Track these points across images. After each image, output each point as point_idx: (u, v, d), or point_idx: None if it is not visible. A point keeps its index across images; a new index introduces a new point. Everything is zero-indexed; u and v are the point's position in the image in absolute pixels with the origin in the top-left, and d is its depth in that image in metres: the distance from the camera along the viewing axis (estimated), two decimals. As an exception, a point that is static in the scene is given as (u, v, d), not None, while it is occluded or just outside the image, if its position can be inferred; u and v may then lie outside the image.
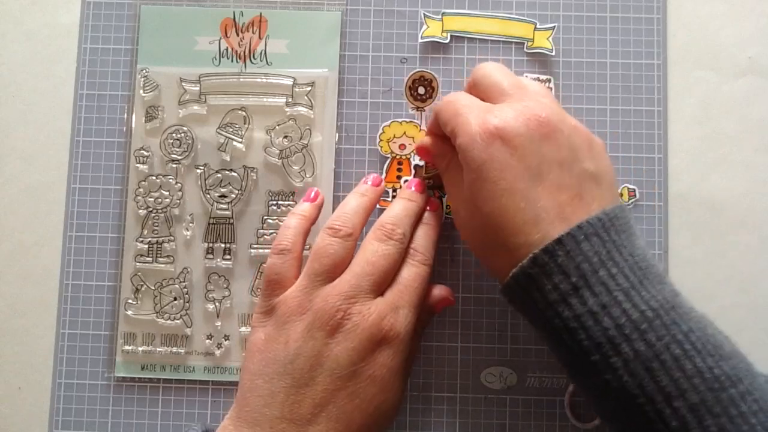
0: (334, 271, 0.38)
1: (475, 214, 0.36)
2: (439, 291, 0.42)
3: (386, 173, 0.46)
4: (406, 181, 0.45)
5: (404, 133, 0.46)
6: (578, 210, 0.34)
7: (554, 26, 0.47)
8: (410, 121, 0.46)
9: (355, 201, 0.41)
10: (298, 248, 0.40)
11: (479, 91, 0.39)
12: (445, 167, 0.41)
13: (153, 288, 0.45)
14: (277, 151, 0.46)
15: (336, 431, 0.35)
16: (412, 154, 0.46)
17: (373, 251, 0.39)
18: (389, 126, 0.46)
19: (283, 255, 0.40)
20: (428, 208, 0.43)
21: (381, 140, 0.46)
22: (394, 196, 0.46)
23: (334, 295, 0.37)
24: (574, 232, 0.33)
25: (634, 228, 0.35)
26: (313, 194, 0.43)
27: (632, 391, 0.31)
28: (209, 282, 0.45)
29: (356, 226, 0.40)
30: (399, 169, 0.46)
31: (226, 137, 0.46)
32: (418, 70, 0.46)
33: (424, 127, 0.46)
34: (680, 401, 0.30)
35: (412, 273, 0.39)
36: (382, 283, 0.38)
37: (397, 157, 0.46)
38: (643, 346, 0.31)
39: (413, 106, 0.46)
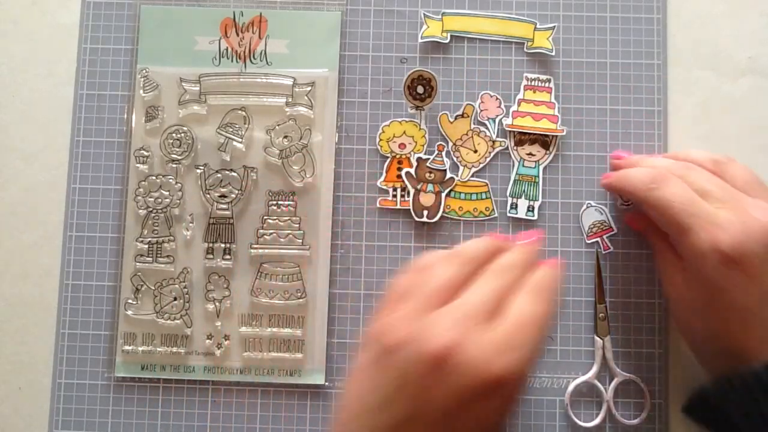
0: (446, 294, 0.33)
1: (698, 325, 0.36)
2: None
3: (386, 173, 0.46)
4: (406, 174, 0.45)
5: (404, 132, 0.46)
6: None
7: (554, 26, 0.47)
8: (410, 121, 0.46)
9: (485, 243, 0.36)
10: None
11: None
12: (654, 244, 0.41)
13: (153, 288, 0.45)
14: (277, 151, 0.46)
15: None
16: (412, 153, 0.46)
17: (486, 282, 0.33)
18: (389, 126, 0.46)
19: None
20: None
21: (381, 140, 0.46)
22: (394, 196, 0.46)
23: (443, 324, 0.31)
24: None
25: None
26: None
27: None
28: (209, 282, 0.45)
29: (479, 259, 0.35)
30: (399, 169, 0.46)
31: (226, 137, 0.46)
32: (416, 69, 0.46)
33: (423, 127, 0.46)
34: None
35: (530, 309, 0.32)
36: (496, 316, 0.32)
37: (397, 156, 0.46)
38: None
39: (412, 105, 0.46)
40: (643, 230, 0.43)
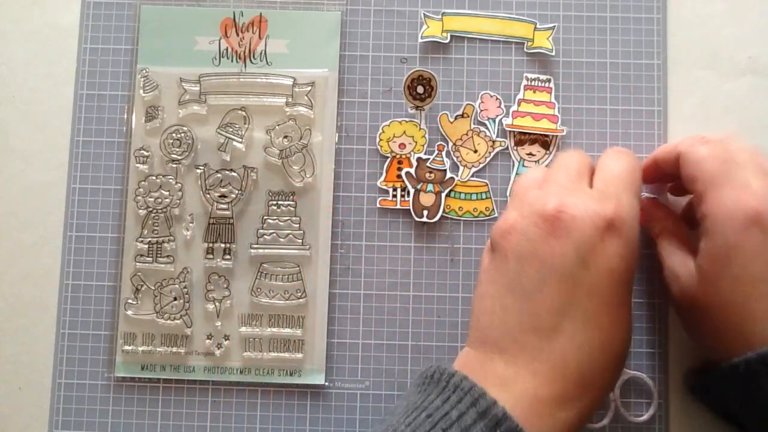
0: (542, 181, 0.36)
1: (708, 291, 0.35)
2: None
3: (386, 173, 0.46)
4: (407, 172, 0.45)
5: (404, 132, 0.46)
6: None
7: (554, 26, 0.47)
8: (410, 121, 0.46)
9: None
10: None
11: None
12: (659, 232, 0.41)
13: (153, 288, 0.45)
14: (277, 151, 0.46)
15: (585, 334, 0.32)
16: (412, 153, 0.46)
17: (570, 155, 0.38)
18: (389, 126, 0.46)
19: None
20: None
21: (381, 140, 0.46)
22: (394, 196, 0.46)
23: (544, 193, 0.34)
24: None
25: None
26: None
27: None
28: (209, 282, 0.45)
29: (582, 170, 0.37)
30: (399, 169, 0.46)
31: (226, 137, 0.46)
32: (416, 69, 0.46)
33: (423, 127, 0.46)
34: None
35: (622, 163, 0.36)
36: (592, 176, 0.36)
37: (397, 156, 0.46)
38: None
39: (412, 105, 0.46)
40: (647, 220, 0.43)
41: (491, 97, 0.46)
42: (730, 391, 0.36)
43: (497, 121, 0.46)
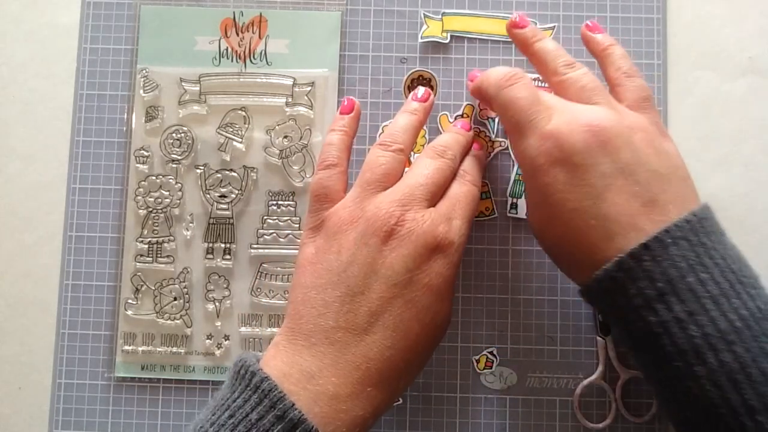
0: (386, 180, 0.37)
1: (546, 231, 0.37)
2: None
3: (386, 173, 0.46)
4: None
5: (404, 133, 0.46)
6: (654, 216, 0.33)
7: (554, 26, 0.47)
8: (410, 121, 0.46)
9: (404, 119, 0.40)
10: (343, 163, 0.39)
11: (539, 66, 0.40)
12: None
13: (153, 288, 0.45)
14: (277, 151, 0.46)
15: (393, 339, 0.34)
16: (412, 153, 0.46)
17: (425, 165, 0.38)
18: (389, 126, 0.46)
19: (329, 169, 0.39)
20: (474, 147, 0.42)
21: (381, 140, 0.46)
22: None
23: (388, 202, 0.36)
24: (661, 236, 0.32)
25: (721, 227, 0.35)
26: (347, 103, 0.41)
27: (714, 401, 0.30)
28: (209, 282, 0.45)
29: (407, 141, 0.39)
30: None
31: (226, 137, 0.46)
32: (416, 69, 0.46)
33: (423, 127, 0.46)
34: (764, 415, 0.30)
35: (463, 189, 0.39)
36: (435, 195, 0.37)
37: (397, 157, 0.46)
38: (729, 357, 0.30)
39: (413, 105, 0.46)
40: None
41: (491, 97, 0.46)
42: (602, 312, 0.39)
43: (497, 120, 0.46)
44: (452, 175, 0.39)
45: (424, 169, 0.38)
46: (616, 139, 0.35)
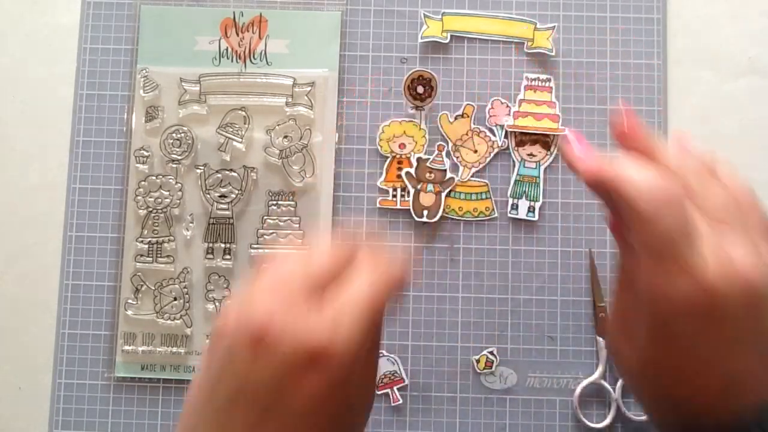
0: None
1: (650, 369, 0.30)
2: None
3: (386, 173, 0.46)
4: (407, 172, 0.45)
5: (404, 132, 0.46)
6: None
7: (554, 26, 0.47)
8: (410, 121, 0.46)
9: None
10: None
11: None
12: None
13: (153, 288, 0.45)
14: (277, 151, 0.46)
15: None
16: (412, 153, 0.46)
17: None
18: (389, 126, 0.46)
19: None
20: None
21: (381, 140, 0.46)
22: (394, 196, 0.46)
23: (262, 301, 0.28)
24: None
25: None
26: None
27: None
28: (209, 282, 0.45)
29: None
30: (399, 169, 0.46)
31: (226, 137, 0.46)
32: (416, 69, 0.46)
33: (423, 127, 0.46)
34: None
35: (368, 285, 0.29)
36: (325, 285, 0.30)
37: (397, 156, 0.46)
38: None
39: (412, 105, 0.46)
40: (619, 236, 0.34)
41: (502, 103, 0.46)
42: None
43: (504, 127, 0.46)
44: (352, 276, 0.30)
45: (316, 262, 0.29)
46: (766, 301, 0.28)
